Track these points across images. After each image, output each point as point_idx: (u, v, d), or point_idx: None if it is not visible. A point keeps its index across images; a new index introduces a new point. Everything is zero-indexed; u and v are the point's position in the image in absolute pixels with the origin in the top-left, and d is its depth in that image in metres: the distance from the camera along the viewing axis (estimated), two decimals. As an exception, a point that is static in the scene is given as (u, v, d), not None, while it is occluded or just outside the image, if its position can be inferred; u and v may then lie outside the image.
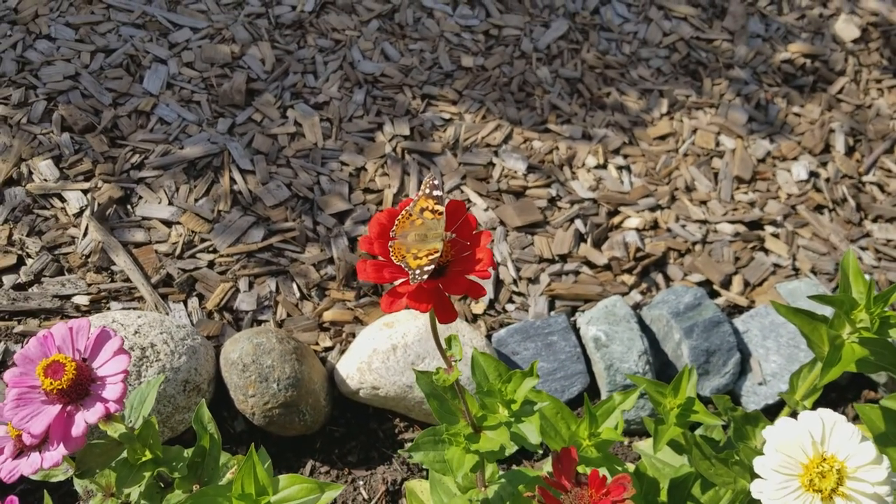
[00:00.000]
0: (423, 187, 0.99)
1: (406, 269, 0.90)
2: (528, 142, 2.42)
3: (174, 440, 1.74)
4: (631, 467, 1.73)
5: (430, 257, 0.90)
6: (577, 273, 2.13)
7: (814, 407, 1.43)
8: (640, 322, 2.05)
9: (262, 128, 2.30)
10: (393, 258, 0.92)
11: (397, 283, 0.91)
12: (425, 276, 0.88)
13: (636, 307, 2.10)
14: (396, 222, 0.96)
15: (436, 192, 0.97)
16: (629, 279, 2.14)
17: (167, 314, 1.89)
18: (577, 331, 2.03)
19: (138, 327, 1.70)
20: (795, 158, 2.55)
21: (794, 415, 1.19)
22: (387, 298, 0.90)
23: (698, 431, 1.58)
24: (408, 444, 1.85)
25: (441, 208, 0.96)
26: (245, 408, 1.72)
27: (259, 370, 1.70)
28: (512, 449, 1.19)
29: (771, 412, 2.05)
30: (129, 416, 1.28)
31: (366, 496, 1.77)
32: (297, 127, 2.32)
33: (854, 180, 2.54)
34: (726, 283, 2.21)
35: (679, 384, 1.45)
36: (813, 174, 2.52)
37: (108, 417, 1.14)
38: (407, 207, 0.98)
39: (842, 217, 2.43)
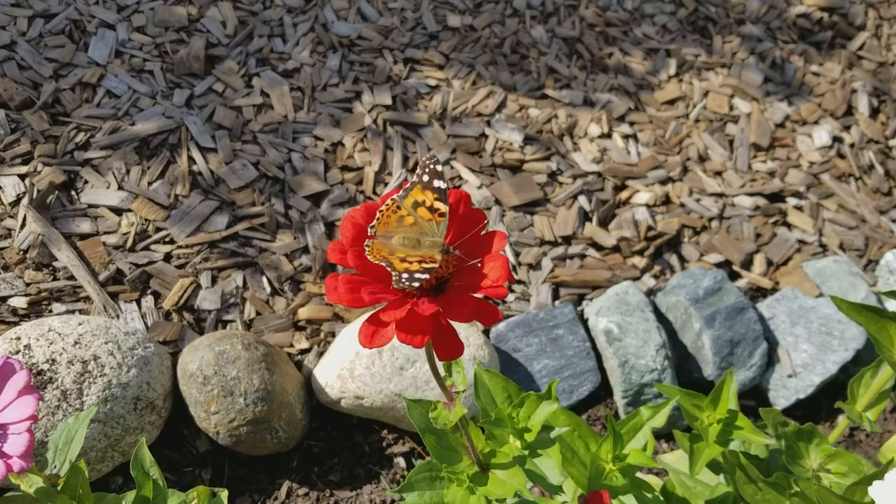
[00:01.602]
0: (418, 172, 0.74)
1: (389, 269, 0.66)
2: (523, 110, 2.17)
3: (126, 465, 1.50)
4: (657, 483, 1.51)
5: (426, 265, 0.66)
6: (582, 256, 1.90)
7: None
8: (656, 311, 1.83)
9: (225, 99, 2.04)
10: (370, 256, 0.68)
11: (380, 306, 0.67)
12: (416, 284, 0.64)
13: (650, 293, 1.88)
14: (378, 216, 0.72)
15: (436, 183, 0.73)
16: (640, 261, 1.91)
17: (117, 317, 1.65)
18: (585, 322, 1.80)
19: (79, 336, 1.45)
20: (816, 122, 2.32)
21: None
22: (366, 328, 0.66)
23: (736, 444, 1.35)
24: (398, 460, 1.63)
25: (444, 207, 0.72)
26: (207, 426, 1.48)
27: (222, 383, 1.46)
28: (528, 495, 0.96)
29: (803, 408, 1.84)
30: (53, 459, 1.04)
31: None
32: (263, 98, 2.06)
33: (880, 145, 2.31)
34: (747, 263, 1.98)
35: (719, 394, 1.23)
36: (836, 139, 2.29)
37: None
38: (394, 197, 0.74)
39: (869, 186, 2.20)
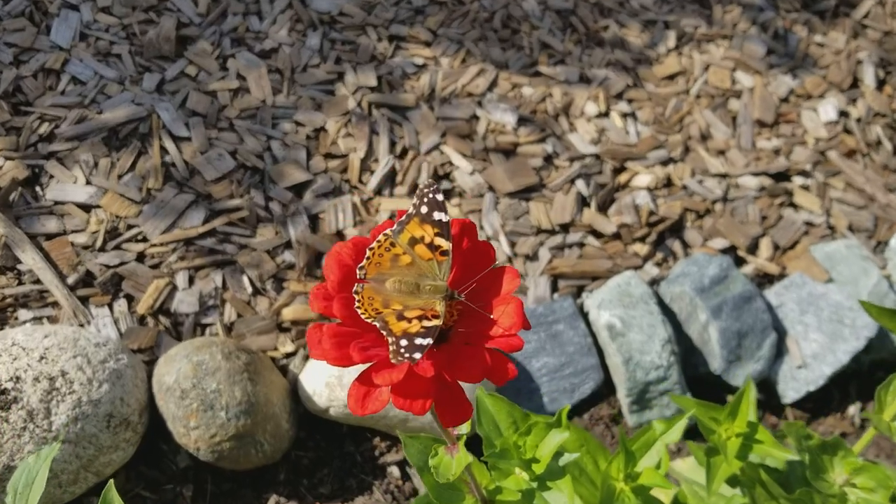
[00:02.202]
0: (415, 202, 0.64)
1: (385, 335, 0.56)
2: (516, 88, 2.05)
3: (101, 485, 1.40)
4: (667, 491, 1.43)
5: (427, 324, 0.56)
6: (581, 245, 1.80)
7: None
8: (660, 302, 1.73)
9: (198, 83, 1.91)
10: (360, 311, 0.58)
11: (371, 363, 0.57)
12: (418, 356, 0.54)
13: (653, 283, 1.78)
14: (368, 255, 0.62)
15: (437, 215, 0.63)
16: (642, 249, 1.82)
17: (88, 323, 1.54)
18: (585, 316, 1.71)
19: (45, 351, 1.34)
20: (822, 96, 2.22)
21: None
22: (357, 390, 0.56)
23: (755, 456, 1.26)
24: (391, 469, 1.54)
25: (446, 244, 0.62)
26: (187, 442, 1.38)
27: (202, 396, 1.36)
28: (539, 536, 0.87)
29: (814, 400, 1.76)
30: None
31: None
32: (240, 81, 1.94)
33: (887, 118, 2.21)
34: (753, 248, 1.89)
35: (738, 406, 1.14)
36: (842, 113, 2.19)
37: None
38: (387, 232, 0.64)
39: (877, 163, 2.11)
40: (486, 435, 0.96)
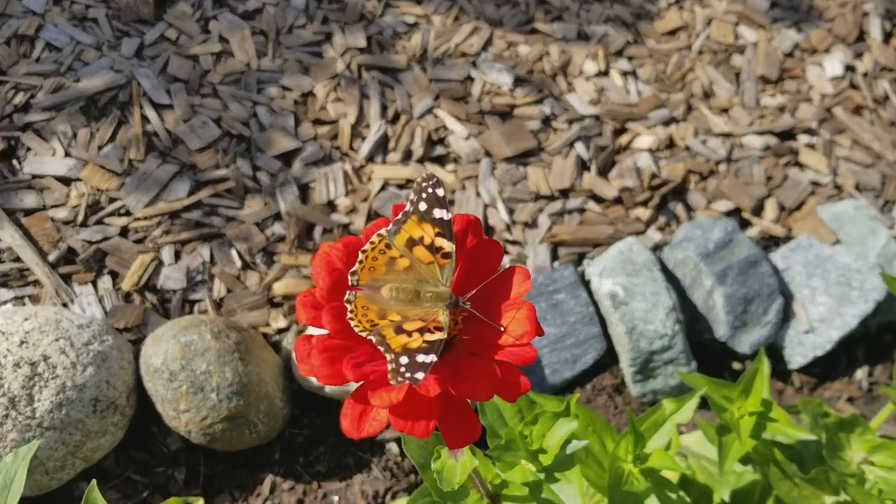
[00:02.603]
0: (412, 198, 0.58)
1: (383, 351, 0.50)
2: (512, 47, 1.97)
3: (90, 470, 1.36)
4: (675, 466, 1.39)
5: (430, 337, 0.50)
6: (582, 211, 1.74)
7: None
8: (664, 269, 1.68)
9: (179, 48, 1.83)
10: (354, 324, 0.52)
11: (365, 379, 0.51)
12: (420, 376, 0.48)
13: (656, 249, 1.73)
14: (361, 258, 0.56)
15: (437, 213, 0.56)
16: (644, 213, 1.76)
17: (71, 301, 1.48)
18: (587, 284, 1.66)
19: (25, 335, 1.28)
20: (827, 50, 2.14)
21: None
22: (352, 409, 0.51)
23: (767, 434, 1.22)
24: (390, 446, 1.49)
25: (448, 245, 0.56)
26: (178, 425, 1.33)
27: (191, 378, 1.31)
28: (547, 532, 0.83)
29: (821, 365, 1.72)
30: (-10, 506, 0.89)
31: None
32: (223, 44, 1.85)
33: (895, 73, 2.14)
34: (758, 210, 1.84)
35: (751, 384, 1.09)
36: (849, 68, 2.12)
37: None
38: (382, 232, 0.57)
39: (885, 119, 2.04)
40: (489, 425, 0.91)
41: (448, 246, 0.56)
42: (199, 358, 1.32)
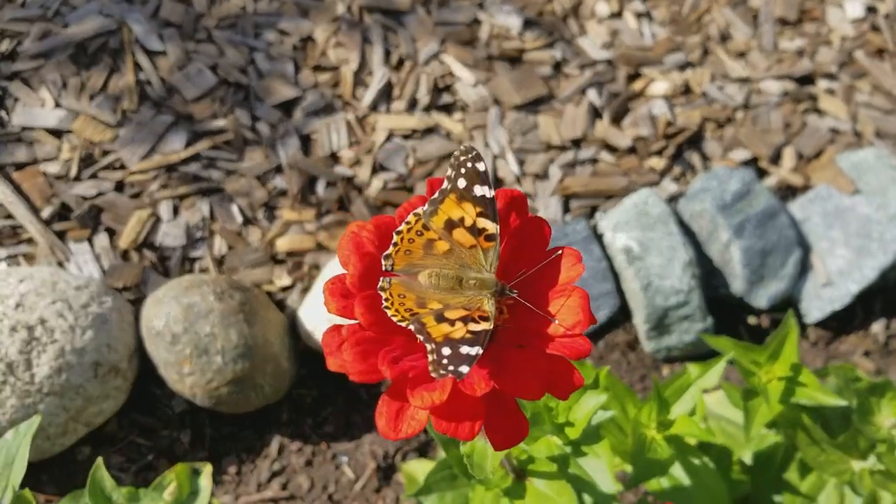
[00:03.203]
0: (450, 175, 0.52)
1: (423, 341, 0.45)
2: (520, -12, 1.88)
3: (93, 435, 1.32)
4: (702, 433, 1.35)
5: (475, 327, 0.45)
6: (594, 161, 1.67)
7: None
8: (679, 222, 1.62)
9: (171, -10, 1.73)
10: (391, 313, 0.47)
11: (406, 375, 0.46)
12: (465, 370, 0.43)
13: (671, 200, 1.67)
14: (396, 241, 0.50)
15: (479, 190, 0.51)
16: (659, 163, 1.70)
17: (67, 260, 1.42)
18: (599, 238, 1.60)
19: (21, 298, 1.23)
20: (849, -11, 2.05)
21: None
22: (388, 408, 0.46)
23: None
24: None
25: (492, 227, 0.50)
26: (182, 388, 1.29)
27: (195, 341, 1.27)
28: (577, 511, 0.79)
29: (837, 318, 1.68)
30: (-9, 485, 0.85)
31: (352, 476, 1.39)
32: (217, -14, 1.76)
33: (918, 13, 2.05)
34: (775, 158, 1.77)
35: (780, 348, 1.05)
36: (870, 9, 2.03)
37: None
38: (418, 212, 0.52)
39: (907, 62, 1.97)
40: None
41: (492, 227, 0.50)
42: (202, 320, 1.27)
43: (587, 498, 0.85)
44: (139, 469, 1.34)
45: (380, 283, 0.49)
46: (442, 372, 0.43)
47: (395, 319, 0.47)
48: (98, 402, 1.26)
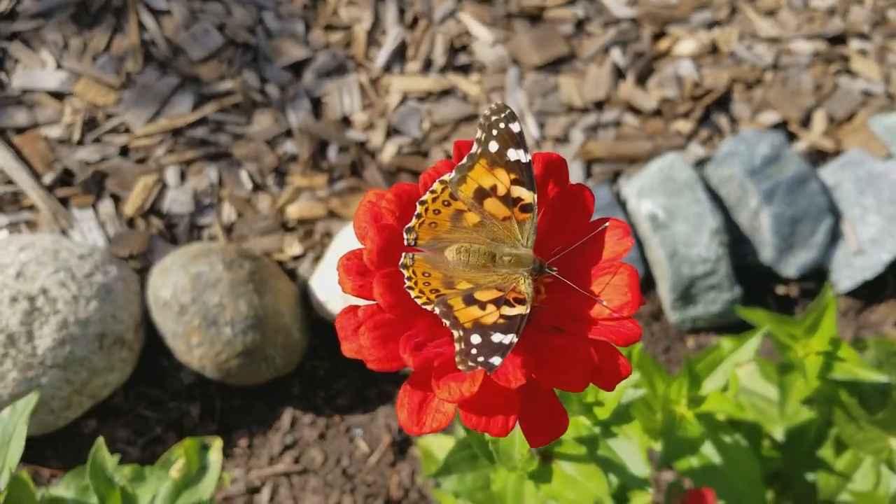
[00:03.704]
0: (480, 137, 0.46)
1: (449, 326, 0.40)
2: (540, -57, 1.80)
3: (99, 407, 1.29)
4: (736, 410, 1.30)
5: (508, 311, 0.39)
6: (617, 124, 1.61)
7: None
8: (706, 187, 1.56)
9: (176, -54, 1.66)
10: (415, 295, 0.41)
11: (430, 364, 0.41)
12: (497, 361, 0.38)
13: (698, 165, 1.60)
14: (419, 211, 0.45)
15: (513, 153, 0.45)
16: (685, 126, 1.63)
17: (71, 227, 1.37)
18: (623, 204, 1.54)
19: (22, 266, 1.18)
20: (884, -57, 1.95)
21: None
22: (410, 398, 0.41)
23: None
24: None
25: (529, 196, 0.44)
26: (190, 360, 1.25)
27: (203, 311, 1.22)
28: (608, 498, 0.74)
29: (868, 287, 1.62)
30: (-13, 466, 0.81)
31: (366, 449, 1.35)
32: (224, -59, 1.68)
33: (956, -32, 1.96)
34: (806, 121, 1.70)
35: (818, 321, 0.99)
36: (906, -37, 1.93)
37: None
38: (445, 178, 0.46)
39: (944, 20, 1.88)
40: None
41: (528, 196, 0.45)
42: (210, 290, 1.22)
43: (616, 480, 0.80)
44: (147, 442, 1.31)
45: (401, 260, 0.44)
46: (471, 364, 0.38)
47: (418, 301, 0.42)
48: (103, 374, 1.22)
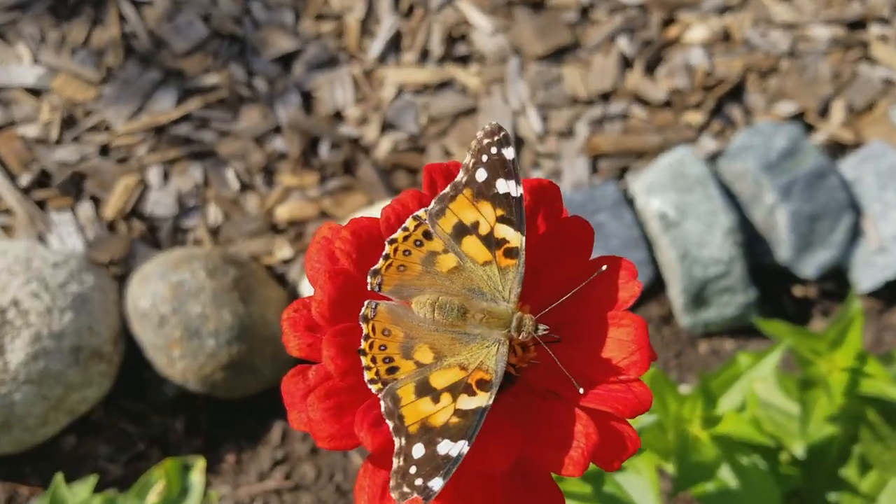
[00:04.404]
0: (468, 163, 0.38)
1: (391, 431, 0.32)
2: (542, -75, 1.71)
3: (78, 422, 1.22)
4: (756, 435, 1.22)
5: (464, 405, 0.32)
6: (624, 117, 1.52)
7: None
8: (719, 184, 1.48)
9: (159, -68, 1.58)
10: (366, 367, 0.34)
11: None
12: (437, 485, 0.31)
13: (710, 160, 1.52)
14: (388, 252, 0.37)
15: (501, 185, 0.37)
16: (696, 118, 1.54)
17: (48, 232, 1.30)
18: (630, 202, 1.46)
19: (-10, 276, 1.12)
20: (905, -78, 1.86)
21: None
22: (371, 480, 0.34)
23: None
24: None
25: (515, 239, 0.37)
26: (173, 373, 1.18)
27: (185, 322, 1.15)
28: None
29: (891, 288, 1.53)
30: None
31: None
32: (209, -73, 1.60)
33: (981, -52, 1.86)
34: (823, 111, 1.61)
35: (844, 334, 0.92)
36: (929, -57, 1.84)
37: None
38: (418, 215, 0.39)
39: (969, 3, 1.78)
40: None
41: (515, 239, 0.37)
42: (192, 299, 1.15)
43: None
44: (130, 459, 1.24)
45: (363, 310, 0.36)
46: (405, 490, 0.31)
47: (368, 381, 0.34)
48: (80, 389, 1.15)
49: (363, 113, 1.46)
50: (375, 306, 0.37)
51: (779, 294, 1.50)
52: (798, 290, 1.50)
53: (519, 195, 0.38)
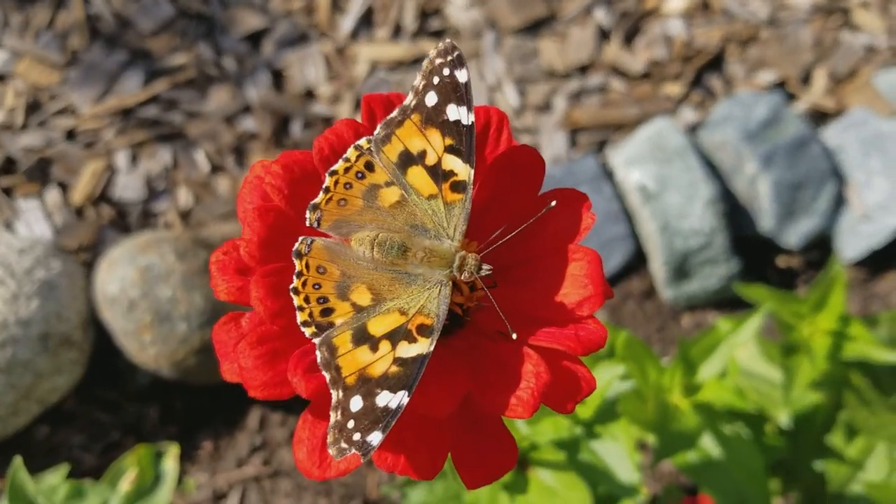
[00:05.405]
0: (417, 85, 0.36)
1: (329, 383, 0.30)
2: None
3: (51, 412, 1.19)
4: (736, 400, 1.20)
5: (404, 353, 0.30)
6: (603, 89, 1.50)
7: None
8: (700, 154, 1.45)
9: (123, -89, 1.54)
10: (298, 307, 0.32)
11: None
12: (375, 439, 0.28)
13: (690, 131, 1.50)
14: (328, 185, 0.35)
15: (452, 111, 0.35)
16: (675, 90, 1.52)
17: (15, 219, 1.27)
18: (610, 175, 1.44)
19: (-48, 264, 1.08)
20: None
21: None
22: (311, 432, 0.32)
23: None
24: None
25: (464, 171, 0.34)
26: (145, 359, 1.15)
27: (155, 307, 1.12)
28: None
29: (877, 257, 1.52)
30: None
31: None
32: None
33: (961, -88, 1.84)
34: (805, 79, 1.59)
35: (825, 297, 0.89)
36: None
37: None
38: (360, 144, 0.36)
39: (950, -32, 1.76)
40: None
41: (462, 172, 0.35)
42: (162, 283, 1.12)
43: (603, 489, 0.70)
44: (104, 448, 1.21)
45: (296, 245, 0.34)
46: (343, 445, 0.29)
47: (300, 323, 0.32)
48: (51, 377, 1.12)
49: (336, 91, 1.43)
50: (311, 242, 0.35)
51: (763, 265, 1.48)
52: (782, 261, 1.49)
53: (470, 123, 0.36)
